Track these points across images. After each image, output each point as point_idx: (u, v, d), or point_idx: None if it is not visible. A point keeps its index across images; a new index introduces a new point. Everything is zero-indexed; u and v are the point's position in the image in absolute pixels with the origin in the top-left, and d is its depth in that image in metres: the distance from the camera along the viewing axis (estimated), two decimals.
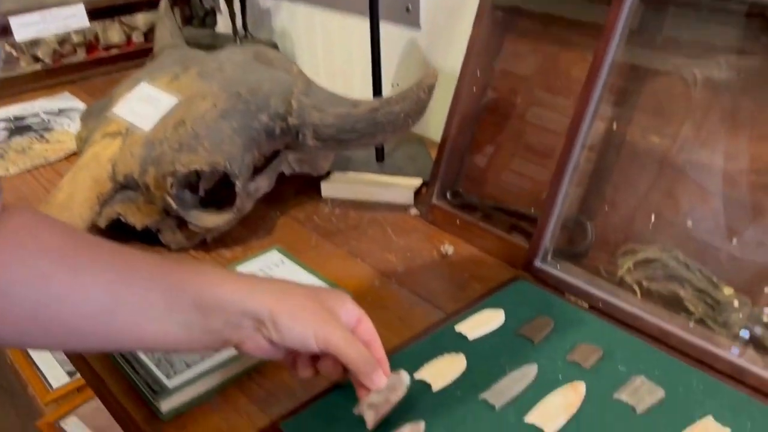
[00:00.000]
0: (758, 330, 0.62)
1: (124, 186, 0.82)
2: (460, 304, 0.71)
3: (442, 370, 0.60)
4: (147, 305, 0.51)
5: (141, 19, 1.48)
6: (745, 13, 0.65)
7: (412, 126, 0.80)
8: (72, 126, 1.15)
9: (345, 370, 0.55)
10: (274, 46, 1.39)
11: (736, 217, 0.66)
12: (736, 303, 0.64)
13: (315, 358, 0.57)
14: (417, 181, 0.93)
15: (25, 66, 1.39)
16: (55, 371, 1.27)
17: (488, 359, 0.61)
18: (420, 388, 0.59)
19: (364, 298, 0.75)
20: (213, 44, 1.32)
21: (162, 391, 0.61)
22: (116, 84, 0.96)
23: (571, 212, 0.76)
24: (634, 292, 0.70)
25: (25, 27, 1.21)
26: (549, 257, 0.73)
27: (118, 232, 0.82)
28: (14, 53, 1.39)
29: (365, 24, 0.96)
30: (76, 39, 1.42)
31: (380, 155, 1.01)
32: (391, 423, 0.54)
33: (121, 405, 0.64)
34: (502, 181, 0.85)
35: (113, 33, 1.45)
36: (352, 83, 1.27)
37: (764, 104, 0.65)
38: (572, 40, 0.80)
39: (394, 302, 0.75)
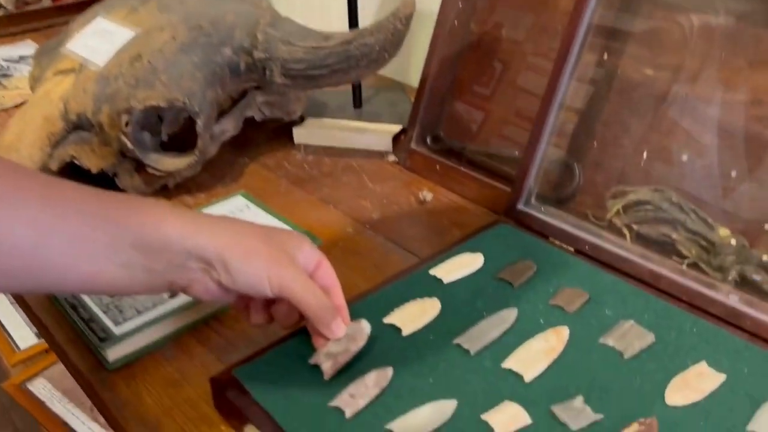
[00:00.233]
0: (755, 272, 0.58)
1: (78, 126, 0.76)
2: (438, 250, 0.66)
3: (414, 315, 0.55)
4: (80, 243, 0.45)
5: None
6: None
7: (389, 60, 0.74)
8: None
9: (302, 317, 0.50)
10: None
11: (734, 153, 0.61)
12: (732, 244, 0.60)
13: (269, 304, 0.52)
14: (396, 128, 0.88)
15: None
16: (22, 332, 1.22)
17: (464, 303, 0.56)
18: (389, 333, 0.54)
19: (335, 245, 0.70)
20: None
21: (108, 338, 0.56)
22: None
23: (557, 153, 0.70)
24: (624, 236, 0.65)
25: None
26: (533, 200, 0.68)
27: (71, 176, 0.76)
28: None
29: None
30: None
31: (357, 101, 0.95)
32: (356, 370, 0.50)
33: (67, 355, 0.59)
34: (486, 124, 0.80)
35: None
36: (329, 19, 1.20)
37: (766, 30, 0.60)
38: None
39: (368, 249, 0.70)
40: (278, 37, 0.74)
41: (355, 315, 0.53)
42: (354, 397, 0.48)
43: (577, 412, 0.46)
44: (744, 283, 0.58)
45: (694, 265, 0.61)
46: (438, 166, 0.79)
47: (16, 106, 0.99)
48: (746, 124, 0.60)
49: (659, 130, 0.65)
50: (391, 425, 0.46)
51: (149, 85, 0.72)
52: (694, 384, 0.48)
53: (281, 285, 0.48)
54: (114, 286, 0.47)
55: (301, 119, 0.90)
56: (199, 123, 0.73)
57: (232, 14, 0.77)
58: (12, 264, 0.44)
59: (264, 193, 0.78)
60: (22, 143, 0.74)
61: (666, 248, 0.63)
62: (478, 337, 0.53)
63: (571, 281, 0.59)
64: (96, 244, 0.45)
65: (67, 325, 0.60)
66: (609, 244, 0.63)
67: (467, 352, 0.52)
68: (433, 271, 0.60)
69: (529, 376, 0.49)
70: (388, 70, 1.04)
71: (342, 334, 0.50)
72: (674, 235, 0.63)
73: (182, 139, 0.78)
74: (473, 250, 0.63)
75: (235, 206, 0.73)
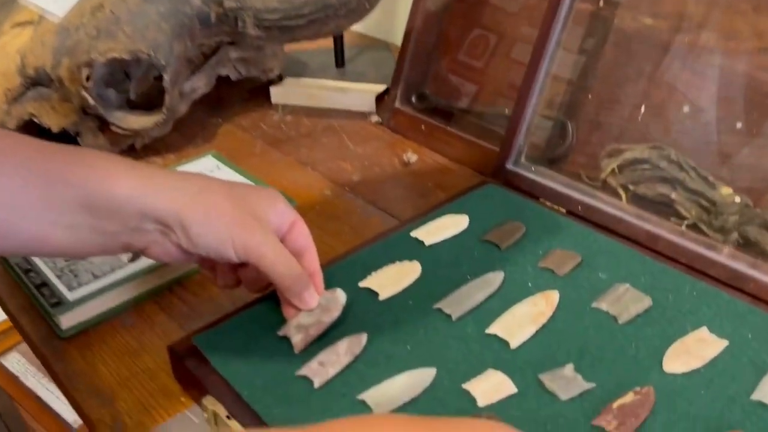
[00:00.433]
0: (759, 233, 0.54)
1: (36, 82, 0.71)
2: (421, 212, 0.62)
3: (392, 278, 0.51)
4: (22, 201, 0.40)
5: None
6: None
7: (369, 10, 0.69)
8: None
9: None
10: None
11: (738, 106, 0.57)
12: (735, 204, 0.56)
13: (237, 266, 0.47)
14: (380, 87, 0.83)
15: None
16: None
17: (447, 266, 0.52)
18: (364, 298, 0.50)
19: (311, 208, 0.66)
20: None
21: (61, 304, 0.52)
22: None
23: (549, 111, 0.66)
24: (619, 196, 0.61)
25: None
26: (522, 159, 0.64)
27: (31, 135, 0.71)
28: None
29: None
30: None
31: (340, 61, 0.90)
32: (328, 336, 0.46)
33: (19, 323, 0.54)
34: (475, 81, 0.75)
35: None
36: None
37: None
38: None
39: (347, 212, 0.65)
40: None
41: (329, 279, 0.49)
42: (324, 366, 0.43)
43: (567, 380, 0.42)
44: (747, 245, 0.54)
45: (693, 227, 0.57)
46: (423, 126, 0.75)
47: None
48: (752, 74, 0.56)
49: (658, 84, 0.61)
50: (363, 395, 0.42)
51: (111, 36, 0.67)
52: (694, 350, 0.44)
53: (247, 250, 0.43)
54: (62, 248, 0.43)
55: (280, 79, 0.85)
56: (166, 77, 0.68)
57: None
58: None
59: (237, 154, 0.73)
60: None
61: (664, 209, 0.58)
62: (461, 301, 0.49)
63: (562, 243, 0.54)
64: (37, 203, 0.40)
65: (19, 291, 0.56)
66: (603, 204, 0.58)
67: (449, 317, 0.48)
68: (414, 233, 0.56)
69: (515, 343, 0.45)
70: (372, 29, 0.99)
71: (315, 305, 0.46)
72: (673, 195, 0.59)
73: (153, 100, 0.73)
74: (458, 211, 0.59)
75: (205, 167, 0.68)
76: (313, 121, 0.80)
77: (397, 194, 0.68)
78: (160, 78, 0.70)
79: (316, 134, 0.78)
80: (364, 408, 0.41)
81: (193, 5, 0.70)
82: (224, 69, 0.79)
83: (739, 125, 0.55)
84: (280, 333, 0.46)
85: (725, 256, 0.52)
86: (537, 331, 0.46)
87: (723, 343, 0.45)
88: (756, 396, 0.41)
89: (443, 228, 0.56)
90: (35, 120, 0.70)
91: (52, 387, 1.08)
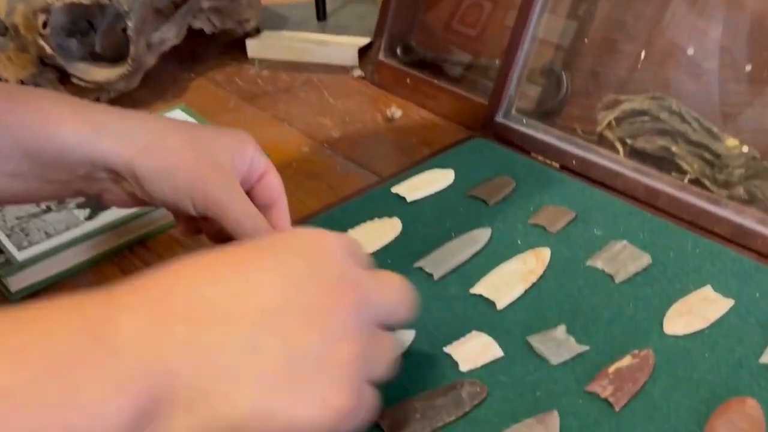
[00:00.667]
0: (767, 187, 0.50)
1: None
2: (403, 168, 0.58)
3: (369, 236, 0.47)
4: None
5: None
6: None
7: None
8: None
9: None
10: None
11: (744, 51, 0.52)
12: (741, 156, 0.52)
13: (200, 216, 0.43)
14: (363, 40, 0.78)
15: None
16: None
17: (429, 223, 0.48)
18: None
19: (287, 165, 0.61)
20: None
21: (9, 264, 0.47)
22: None
23: (542, 60, 0.61)
24: (616, 150, 0.56)
25: None
26: (513, 111, 0.60)
27: None
28: None
29: None
30: None
31: (321, 14, 0.84)
32: None
33: None
34: (464, 30, 0.70)
35: None
36: None
37: None
38: None
39: (325, 170, 0.61)
40: None
41: None
42: None
43: (558, 343, 0.38)
44: (753, 200, 0.50)
45: (695, 182, 0.53)
46: (408, 80, 0.70)
47: None
48: (760, 14, 0.51)
49: (659, 29, 0.56)
50: None
51: None
52: (697, 310, 0.40)
53: (206, 204, 0.39)
54: (9, 197, 0.39)
55: (257, 32, 0.80)
56: (130, 25, 0.63)
57: None
58: None
59: (210, 109, 0.68)
60: None
61: (664, 164, 0.54)
62: (444, 259, 0.45)
63: (555, 199, 0.50)
64: None
65: None
66: (599, 158, 0.54)
67: (430, 276, 0.44)
68: (395, 189, 0.52)
69: (502, 303, 0.41)
70: None
71: None
72: (673, 148, 0.55)
73: (122, 54, 0.68)
74: (443, 165, 0.54)
75: None
76: (292, 76, 0.75)
77: (380, 151, 0.64)
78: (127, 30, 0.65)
79: (295, 89, 0.73)
80: None
81: None
82: (198, 21, 0.74)
83: (748, 67, 0.51)
84: None
85: (731, 212, 0.48)
86: (526, 291, 0.42)
87: (728, 303, 0.41)
88: (765, 359, 0.37)
89: (426, 183, 0.52)
90: None
91: None
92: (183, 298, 0.27)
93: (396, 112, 0.68)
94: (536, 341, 0.39)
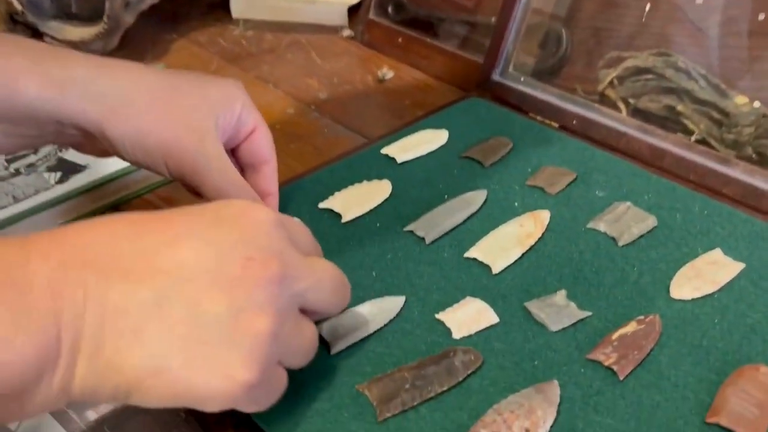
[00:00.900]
0: None
1: None
2: (394, 129, 0.55)
3: (357, 198, 0.44)
4: None
5: None
6: None
7: None
8: None
9: None
10: None
11: (755, 3, 0.49)
12: (751, 113, 0.49)
13: None
14: None
15: None
16: None
17: (421, 185, 0.45)
18: (325, 220, 0.43)
19: (272, 127, 0.55)
20: None
21: None
22: None
23: (540, 17, 0.58)
24: (619, 110, 0.54)
25: None
26: (510, 69, 0.56)
27: None
28: None
29: None
30: None
31: None
32: None
33: None
34: None
35: None
36: None
37: None
38: None
39: (311, 132, 0.58)
40: None
41: (284, 201, 0.42)
42: None
43: (558, 309, 0.36)
44: (764, 160, 0.47)
45: (702, 143, 0.50)
46: (400, 39, 0.67)
47: None
48: None
49: None
50: (318, 327, 0.35)
51: None
52: (706, 274, 0.38)
53: (182, 170, 0.36)
54: None
55: None
56: None
57: None
58: None
59: (190, 70, 0.65)
60: None
61: (668, 124, 0.52)
62: (436, 222, 0.42)
63: (554, 159, 0.48)
64: None
65: None
66: (601, 116, 0.51)
67: (421, 240, 0.41)
68: (384, 150, 0.49)
69: (497, 267, 0.39)
70: None
71: None
72: (679, 107, 0.52)
73: (99, 14, 0.64)
74: (436, 126, 0.51)
75: None
76: (278, 37, 0.72)
77: (370, 113, 0.61)
78: None
79: (280, 50, 0.69)
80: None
81: None
82: None
83: (762, 16, 0.48)
84: None
85: (740, 172, 0.45)
86: (524, 255, 0.40)
87: (739, 266, 0.38)
88: None
89: (418, 144, 0.49)
90: None
91: None
92: (98, 250, 0.26)
93: (387, 73, 0.65)
94: (534, 307, 0.36)
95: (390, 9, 0.69)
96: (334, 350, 0.34)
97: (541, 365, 0.33)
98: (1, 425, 0.34)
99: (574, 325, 0.35)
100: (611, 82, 0.55)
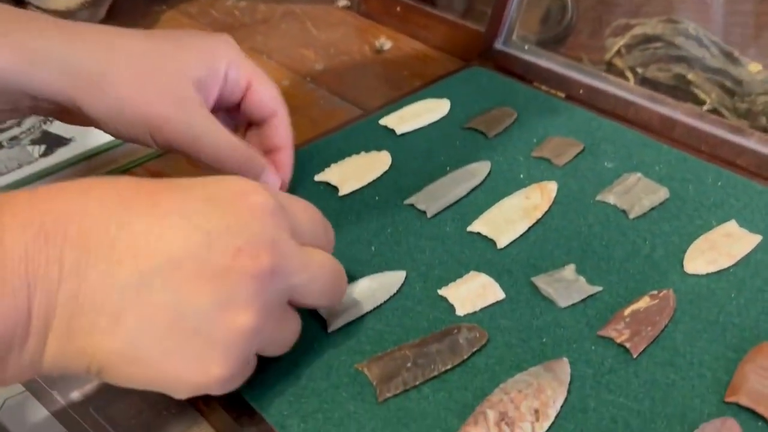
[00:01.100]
0: None
1: None
2: (392, 99, 0.53)
3: (355, 171, 0.42)
4: None
5: None
6: None
7: None
8: None
9: None
10: None
11: None
12: (765, 82, 0.47)
13: None
14: None
15: None
16: None
17: (421, 157, 0.43)
18: (321, 194, 0.41)
19: None
20: None
21: None
22: None
23: None
24: (627, 80, 0.51)
25: None
26: (514, 37, 0.54)
27: None
28: None
29: None
30: None
31: None
32: None
33: None
34: None
35: None
36: None
37: None
38: None
39: (306, 104, 0.56)
40: None
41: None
42: None
43: (567, 284, 0.34)
44: None
45: (713, 113, 0.48)
46: (399, 8, 0.64)
47: None
48: None
49: None
50: None
51: None
52: (721, 247, 0.36)
53: (168, 140, 0.34)
54: None
55: None
56: None
57: None
58: None
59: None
60: None
61: (678, 94, 0.49)
62: (438, 195, 0.40)
63: (561, 130, 0.45)
64: None
65: None
66: (609, 85, 0.49)
67: (422, 213, 0.39)
68: (383, 121, 0.47)
69: (502, 241, 0.37)
70: None
71: (278, 185, 0.37)
72: (689, 76, 0.50)
73: None
74: (437, 96, 0.49)
75: None
76: (271, 7, 0.69)
77: (367, 84, 0.58)
78: None
79: (274, 20, 0.67)
80: (312, 320, 0.33)
81: None
82: None
83: None
84: None
85: (755, 142, 0.43)
86: (530, 228, 0.38)
87: (756, 239, 0.37)
88: None
89: (418, 114, 0.47)
90: None
91: None
92: (82, 223, 0.24)
93: (385, 43, 0.63)
94: (542, 282, 0.34)
95: None
96: (332, 328, 0.32)
97: (549, 342, 0.32)
98: None
99: (583, 300, 0.34)
100: (618, 51, 0.53)
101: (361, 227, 0.38)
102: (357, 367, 0.31)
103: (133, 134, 0.35)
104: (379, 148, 0.44)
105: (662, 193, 0.40)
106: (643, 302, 0.33)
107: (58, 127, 0.49)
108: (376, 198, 0.40)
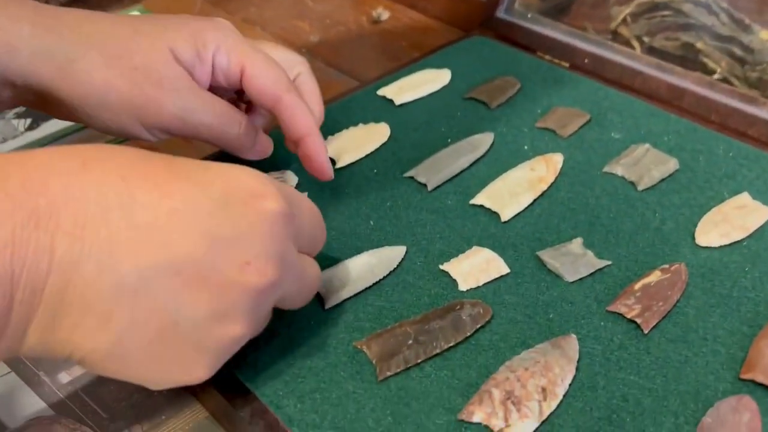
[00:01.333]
0: None
1: None
2: (390, 70, 0.51)
3: (352, 143, 0.40)
4: None
5: None
6: None
7: None
8: None
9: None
10: None
11: None
12: None
13: None
14: None
15: None
16: None
17: (422, 128, 0.42)
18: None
19: None
20: None
21: None
22: None
23: None
24: (633, 48, 0.50)
25: None
26: (516, 5, 0.52)
27: None
28: None
29: None
30: None
31: None
32: None
33: None
34: None
35: None
36: None
37: None
38: None
39: None
40: None
41: (274, 146, 0.39)
42: None
43: (574, 258, 0.33)
44: None
45: (723, 82, 0.46)
46: None
47: None
48: None
49: None
50: None
51: None
52: (734, 219, 0.35)
53: (166, 125, 0.33)
54: None
55: None
56: None
57: None
58: None
59: (172, 13, 0.60)
60: None
61: (686, 64, 0.48)
62: (439, 168, 0.38)
63: (566, 100, 0.44)
64: None
65: None
66: (616, 54, 0.47)
67: (423, 186, 0.37)
68: (382, 91, 0.45)
69: (506, 215, 0.36)
70: None
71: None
72: (698, 45, 0.48)
73: None
74: (437, 66, 0.47)
75: None
76: None
77: (364, 55, 0.56)
78: None
79: None
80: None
81: None
82: None
83: None
84: None
85: (767, 112, 0.42)
86: (535, 201, 0.36)
87: None
88: None
89: (418, 85, 0.45)
90: None
91: None
92: (78, 208, 0.22)
93: (383, 13, 0.61)
94: (548, 256, 0.33)
95: None
96: (329, 304, 0.31)
97: (557, 318, 0.30)
98: None
99: (592, 275, 0.32)
100: (624, 20, 0.51)
101: (359, 201, 0.37)
102: (356, 344, 0.29)
103: (123, 125, 0.33)
104: (377, 120, 0.42)
105: (672, 164, 0.38)
106: (654, 276, 0.32)
107: None
108: (375, 171, 0.39)
